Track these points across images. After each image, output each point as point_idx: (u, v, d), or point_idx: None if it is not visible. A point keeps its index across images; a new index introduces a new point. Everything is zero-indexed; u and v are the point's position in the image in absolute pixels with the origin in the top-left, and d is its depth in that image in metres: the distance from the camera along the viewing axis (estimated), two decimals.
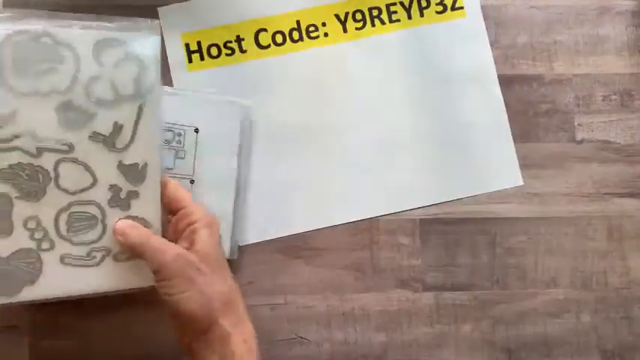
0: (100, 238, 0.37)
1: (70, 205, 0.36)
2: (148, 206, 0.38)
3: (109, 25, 0.37)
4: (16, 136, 0.34)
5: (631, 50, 0.53)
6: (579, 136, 0.52)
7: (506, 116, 0.52)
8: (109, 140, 0.36)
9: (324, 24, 0.52)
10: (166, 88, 0.48)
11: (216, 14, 0.51)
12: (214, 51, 0.51)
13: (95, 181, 0.36)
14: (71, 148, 0.36)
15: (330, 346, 0.49)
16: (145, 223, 0.38)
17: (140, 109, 0.37)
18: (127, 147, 0.37)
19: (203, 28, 0.51)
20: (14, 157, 0.34)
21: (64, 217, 0.36)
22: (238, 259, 0.49)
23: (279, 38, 0.51)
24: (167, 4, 0.51)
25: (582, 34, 0.53)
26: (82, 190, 0.36)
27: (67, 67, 0.35)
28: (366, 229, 0.50)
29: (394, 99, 0.52)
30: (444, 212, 0.51)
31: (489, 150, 0.51)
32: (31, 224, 0.35)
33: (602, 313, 0.50)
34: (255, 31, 0.51)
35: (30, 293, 0.35)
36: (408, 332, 0.49)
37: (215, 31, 0.51)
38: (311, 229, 0.50)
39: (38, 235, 0.35)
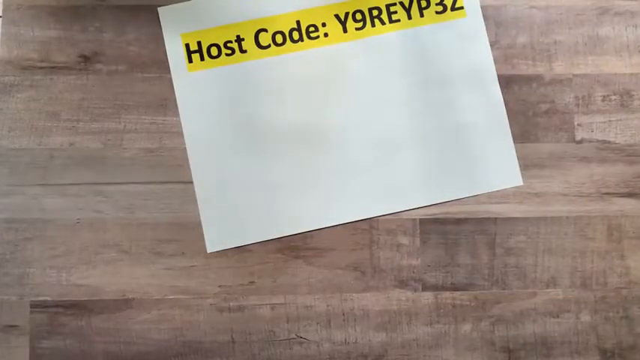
0: None
1: None
2: None
3: None
4: None
5: (631, 50, 0.53)
6: (579, 136, 0.52)
7: (505, 116, 0.52)
8: None
9: (324, 24, 0.52)
10: None
11: (216, 14, 0.51)
12: (214, 51, 0.51)
13: None
14: None
15: (330, 346, 0.49)
16: None
17: None
18: None
19: (203, 28, 0.51)
20: None
21: None
22: (238, 259, 0.49)
23: (279, 38, 0.51)
24: (167, 4, 0.51)
25: (582, 34, 0.53)
26: None
27: None
28: (366, 229, 0.50)
29: (394, 99, 0.52)
30: (444, 212, 0.51)
31: (489, 150, 0.51)
32: None
33: (602, 313, 0.50)
34: (255, 31, 0.51)
35: None
36: (408, 332, 0.49)
37: (215, 31, 0.51)
38: (311, 229, 0.50)
39: None
